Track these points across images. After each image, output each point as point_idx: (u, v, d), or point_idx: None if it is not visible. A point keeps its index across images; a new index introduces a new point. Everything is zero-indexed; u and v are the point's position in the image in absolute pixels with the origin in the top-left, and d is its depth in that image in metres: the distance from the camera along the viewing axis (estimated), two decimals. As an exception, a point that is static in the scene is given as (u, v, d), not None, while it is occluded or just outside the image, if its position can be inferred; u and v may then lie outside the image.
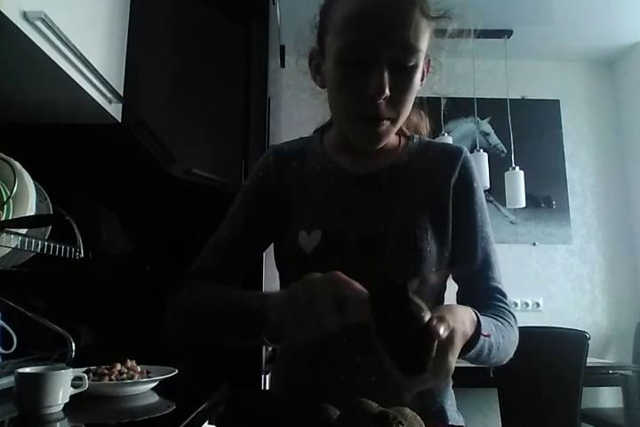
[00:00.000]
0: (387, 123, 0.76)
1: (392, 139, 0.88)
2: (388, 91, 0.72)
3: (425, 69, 0.82)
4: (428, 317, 0.56)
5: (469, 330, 0.64)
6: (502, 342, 0.73)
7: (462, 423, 0.84)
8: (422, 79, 0.82)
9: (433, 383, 0.57)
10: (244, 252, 0.89)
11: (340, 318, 0.58)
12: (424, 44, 0.75)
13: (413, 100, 0.78)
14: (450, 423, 0.80)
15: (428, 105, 0.96)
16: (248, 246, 0.88)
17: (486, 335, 0.67)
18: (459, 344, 0.59)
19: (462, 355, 0.65)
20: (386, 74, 0.72)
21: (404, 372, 0.56)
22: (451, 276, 0.86)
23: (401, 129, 0.90)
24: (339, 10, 0.75)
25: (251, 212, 0.88)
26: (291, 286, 0.64)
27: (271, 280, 0.96)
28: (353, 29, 0.73)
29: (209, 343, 0.83)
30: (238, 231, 0.87)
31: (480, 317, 0.68)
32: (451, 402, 0.83)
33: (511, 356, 0.78)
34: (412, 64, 0.74)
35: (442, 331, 0.55)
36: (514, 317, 0.81)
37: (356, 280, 0.64)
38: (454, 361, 0.57)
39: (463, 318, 0.63)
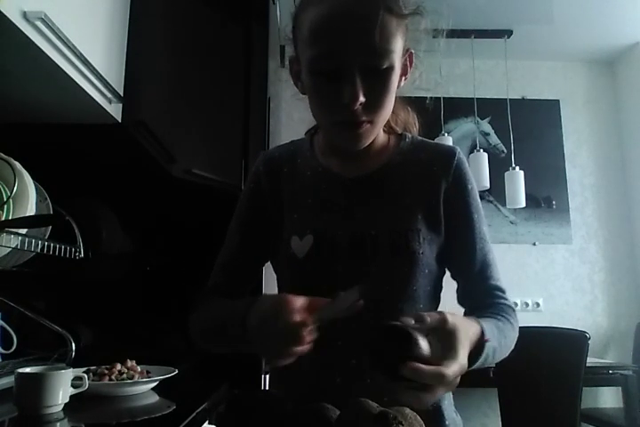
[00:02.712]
0: (366, 125, 0.76)
1: (381, 138, 0.87)
2: (362, 97, 0.71)
3: (407, 64, 0.81)
4: (427, 349, 0.57)
5: (474, 342, 0.65)
6: (504, 342, 0.75)
7: (460, 423, 0.84)
8: (405, 74, 0.81)
9: (440, 390, 0.58)
10: (247, 267, 0.90)
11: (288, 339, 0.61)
12: (396, 44, 0.73)
13: (393, 99, 0.78)
14: (447, 424, 0.80)
15: (426, 104, 0.95)
16: (250, 260, 0.90)
17: (486, 340, 0.68)
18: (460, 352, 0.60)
19: (470, 366, 0.66)
20: (358, 80, 0.71)
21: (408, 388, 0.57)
22: (449, 274, 0.87)
23: (390, 127, 0.90)
24: (305, 21, 0.74)
25: (247, 225, 0.89)
26: (251, 313, 0.67)
27: (270, 281, 0.97)
28: (319, 41, 0.72)
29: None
30: (238, 248, 0.88)
31: (483, 326, 0.69)
32: (448, 402, 0.84)
33: (512, 349, 0.79)
34: (385, 66, 0.72)
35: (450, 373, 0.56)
36: (513, 310, 0.82)
37: (347, 285, 0.65)
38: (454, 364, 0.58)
39: (468, 331, 0.64)
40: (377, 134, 0.83)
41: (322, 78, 0.73)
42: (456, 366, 0.57)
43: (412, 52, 0.81)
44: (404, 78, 0.81)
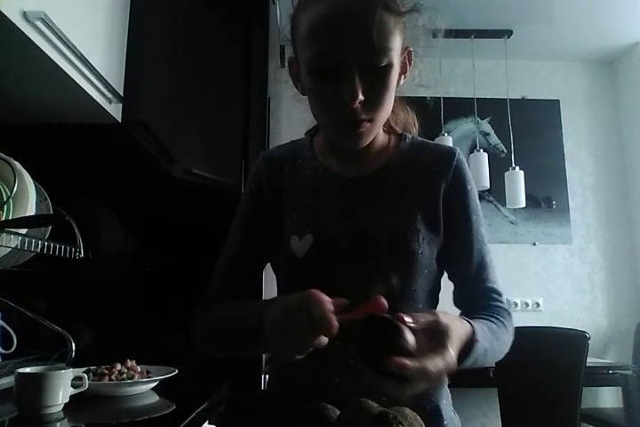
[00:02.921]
0: (366, 124, 0.76)
1: (381, 138, 0.87)
2: (361, 95, 0.71)
3: (406, 62, 0.81)
4: (413, 343, 0.57)
5: (464, 340, 0.65)
6: (496, 344, 0.74)
7: (459, 423, 0.84)
8: (405, 72, 0.81)
9: (423, 385, 0.57)
10: (251, 266, 0.90)
11: (315, 336, 0.59)
12: (394, 41, 0.73)
13: (392, 97, 0.78)
14: (445, 423, 0.80)
15: (426, 104, 0.95)
16: (253, 261, 0.90)
17: (476, 339, 0.67)
18: (450, 344, 0.59)
19: (459, 365, 0.66)
20: (357, 79, 0.71)
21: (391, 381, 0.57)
22: (446, 275, 0.87)
23: (390, 126, 0.90)
24: (303, 21, 0.75)
25: (249, 226, 0.89)
26: (270, 308, 0.65)
27: (270, 282, 0.97)
28: (317, 40, 0.72)
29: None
30: (240, 248, 0.88)
31: (474, 325, 0.68)
32: (446, 401, 0.83)
33: (506, 352, 0.79)
34: (384, 64, 0.72)
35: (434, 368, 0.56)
36: (509, 314, 0.82)
37: (346, 284, 0.65)
38: (443, 361, 0.57)
39: (460, 328, 0.64)
40: (377, 134, 0.83)
41: (321, 78, 0.73)
42: (441, 364, 0.57)
43: (410, 51, 0.81)
44: (403, 77, 0.81)
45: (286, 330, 0.61)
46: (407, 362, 0.54)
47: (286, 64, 0.84)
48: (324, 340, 0.60)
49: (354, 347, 0.59)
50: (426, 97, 0.95)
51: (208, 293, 0.88)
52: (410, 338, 0.57)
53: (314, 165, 0.88)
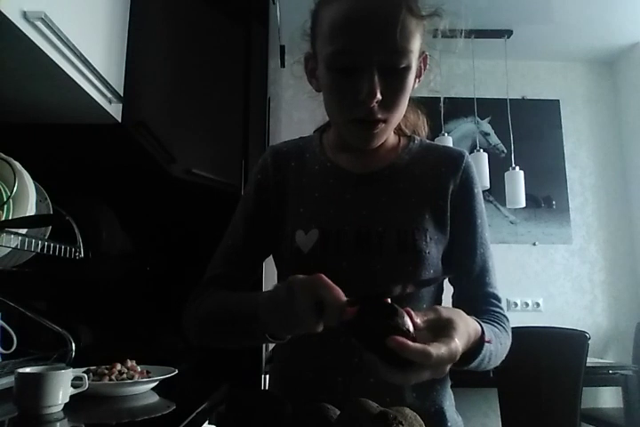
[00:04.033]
0: (381, 125, 0.76)
1: (391, 138, 0.88)
2: (379, 95, 0.72)
3: (422, 66, 0.82)
4: (412, 327, 0.56)
5: (473, 337, 0.64)
6: (500, 349, 0.74)
7: (462, 424, 0.84)
8: (419, 76, 0.82)
9: (426, 373, 0.56)
10: (250, 258, 0.89)
11: (318, 319, 0.59)
12: (415, 44, 0.74)
13: (407, 99, 0.78)
14: (449, 425, 0.80)
15: (427, 105, 0.96)
16: (253, 252, 0.89)
17: (488, 341, 0.67)
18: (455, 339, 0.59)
19: (466, 364, 0.66)
20: (376, 78, 0.72)
21: (392, 366, 0.55)
22: (447, 279, 0.86)
23: (400, 128, 0.90)
24: (326, 17, 0.75)
25: (251, 217, 0.89)
26: (275, 285, 0.65)
27: (270, 278, 0.97)
28: (340, 37, 0.73)
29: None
30: (241, 239, 0.88)
31: (483, 326, 0.68)
32: (449, 403, 0.83)
33: (503, 358, 0.79)
34: (403, 66, 0.73)
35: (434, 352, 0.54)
36: (508, 320, 0.82)
37: (351, 281, 0.65)
38: (446, 350, 0.56)
39: (468, 326, 0.63)
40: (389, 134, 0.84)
41: (340, 75, 0.74)
42: (445, 350, 0.55)
43: (426, 55, 0.82)
44: (417, 80, 0.82)
45: (285, 308, 0.60)
46: (408, 342, 0.53)
47: (287, 64, 0.85)
48: (320, 326, 0.59)
49: (351, 332, 0.58)
50: (430, 98, 0.96)
51: (204, 282, 0.87)
52: (408, 321, 0.56)
53: (322, 160, 0.88)
